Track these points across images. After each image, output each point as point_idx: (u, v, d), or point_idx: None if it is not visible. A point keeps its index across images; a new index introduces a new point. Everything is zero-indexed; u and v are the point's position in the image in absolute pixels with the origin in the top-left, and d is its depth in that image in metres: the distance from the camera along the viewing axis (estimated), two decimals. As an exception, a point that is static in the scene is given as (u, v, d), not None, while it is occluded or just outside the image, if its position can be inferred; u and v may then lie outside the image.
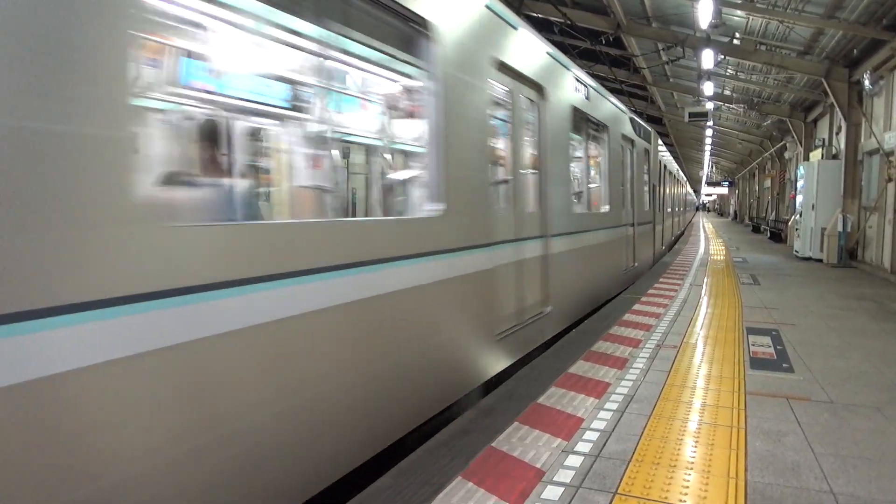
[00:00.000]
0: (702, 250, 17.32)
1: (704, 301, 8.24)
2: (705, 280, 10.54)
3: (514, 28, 5.11)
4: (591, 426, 3.60)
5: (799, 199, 15.93)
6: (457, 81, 3.97)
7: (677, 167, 22.30)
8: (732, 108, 22.89)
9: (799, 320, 6.91)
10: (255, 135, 3.90)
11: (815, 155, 16.28)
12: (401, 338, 3.40)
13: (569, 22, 13.88)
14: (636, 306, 7.78)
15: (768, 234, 23.94)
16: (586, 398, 4.11)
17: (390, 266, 3.28)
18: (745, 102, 21.16)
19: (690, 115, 19.59)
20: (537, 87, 5.70)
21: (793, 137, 21.14)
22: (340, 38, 3.48)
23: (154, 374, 2.05)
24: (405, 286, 3.41)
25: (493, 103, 4.75)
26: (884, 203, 12.32)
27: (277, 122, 3.93)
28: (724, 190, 52.06)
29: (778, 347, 5.59)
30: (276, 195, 3.94)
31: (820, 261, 14.01)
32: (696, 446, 3.32)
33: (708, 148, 38.04)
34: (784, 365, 5.00)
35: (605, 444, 3.33)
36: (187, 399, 2.19)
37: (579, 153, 7.82)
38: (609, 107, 8.95)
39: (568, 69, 6.73)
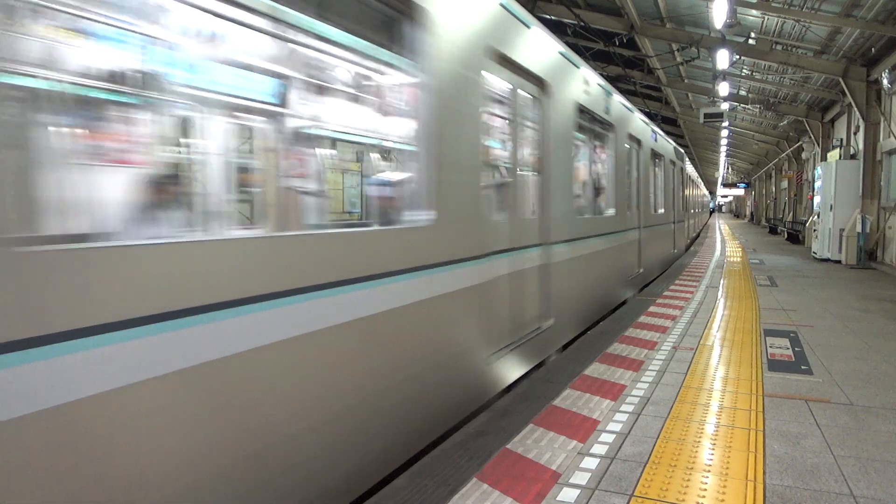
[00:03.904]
0: (718, 252, 17.17)
1: (721, 303, 8.17)
2: (722, 282, 10.45)
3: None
4: (607, 428, 3.59)
5: (817, 199, 15.75)
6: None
7: (690, 166, 21.61)
8: (748, 109, 22.67)
9: (817, 322, 6.83)
10: None
11: (833, 155, 16.08)
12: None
13: (582, 23, 13.86)
14: (652, 308, 7.73)
15: (785, 236, 23.68)
16: (602, 400, 4.10)
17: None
18: (762, 103, 20.95)
19: (706, 116, 19.41)
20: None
21: (810, 138, 20.90)
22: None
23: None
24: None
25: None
26: (904, 203, 12.16)
27: None
28: (740, 191, 51.54)
29: (796, 349, 5.53)
30: None
31: (838, 262, 13.83)
32: (713, 449, 3.30)
33: (723, 149, 37.67)
34: (802, 367, 4.94)
35: (621, 447, 3.32)
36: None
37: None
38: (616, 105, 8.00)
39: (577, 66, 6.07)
